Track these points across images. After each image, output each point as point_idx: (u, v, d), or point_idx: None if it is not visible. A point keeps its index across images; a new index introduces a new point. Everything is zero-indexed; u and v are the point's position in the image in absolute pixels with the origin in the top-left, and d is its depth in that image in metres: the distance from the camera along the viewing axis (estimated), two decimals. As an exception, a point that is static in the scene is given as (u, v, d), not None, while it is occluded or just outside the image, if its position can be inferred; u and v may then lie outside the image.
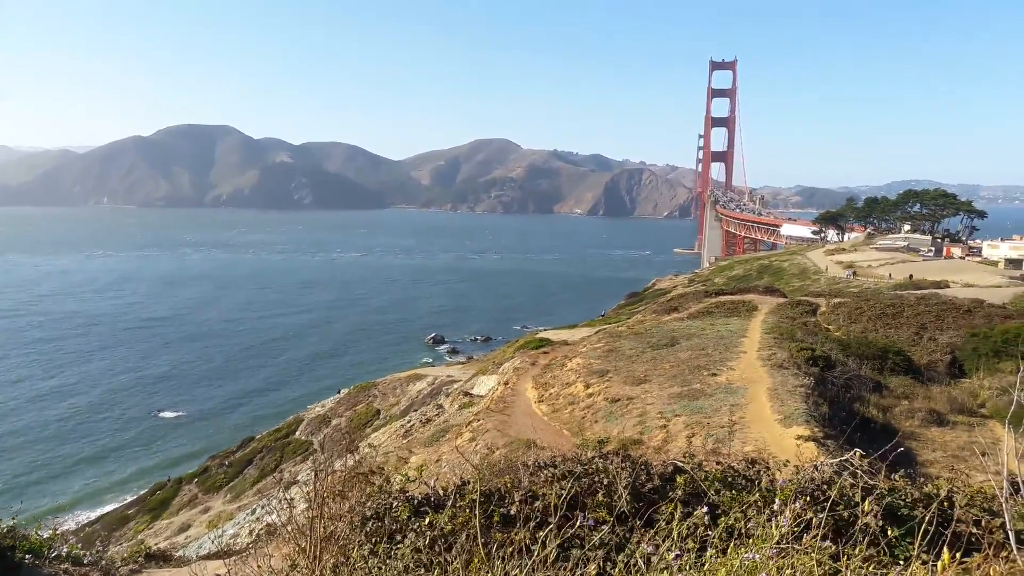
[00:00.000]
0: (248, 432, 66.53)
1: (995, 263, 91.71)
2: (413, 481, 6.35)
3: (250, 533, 30.24)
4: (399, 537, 5.46)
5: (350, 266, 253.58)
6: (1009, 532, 4.41)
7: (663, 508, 5.21)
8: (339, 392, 65.56)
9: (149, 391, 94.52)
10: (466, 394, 39.59)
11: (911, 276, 67.33)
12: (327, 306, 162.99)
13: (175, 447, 75.41)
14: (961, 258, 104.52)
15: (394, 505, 5.69)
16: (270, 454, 53.91)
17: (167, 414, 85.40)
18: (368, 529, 5.67)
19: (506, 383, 29.08)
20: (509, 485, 5.86)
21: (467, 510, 5.23)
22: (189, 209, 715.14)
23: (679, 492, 5.55)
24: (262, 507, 35.26)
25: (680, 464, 6.09)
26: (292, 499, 9.70)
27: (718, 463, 6.07)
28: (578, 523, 4.94)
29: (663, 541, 4.60)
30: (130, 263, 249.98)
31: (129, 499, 59.59)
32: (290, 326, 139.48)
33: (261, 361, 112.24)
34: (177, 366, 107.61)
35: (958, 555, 4.23)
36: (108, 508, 58.84)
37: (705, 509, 4.90)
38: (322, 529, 5.97)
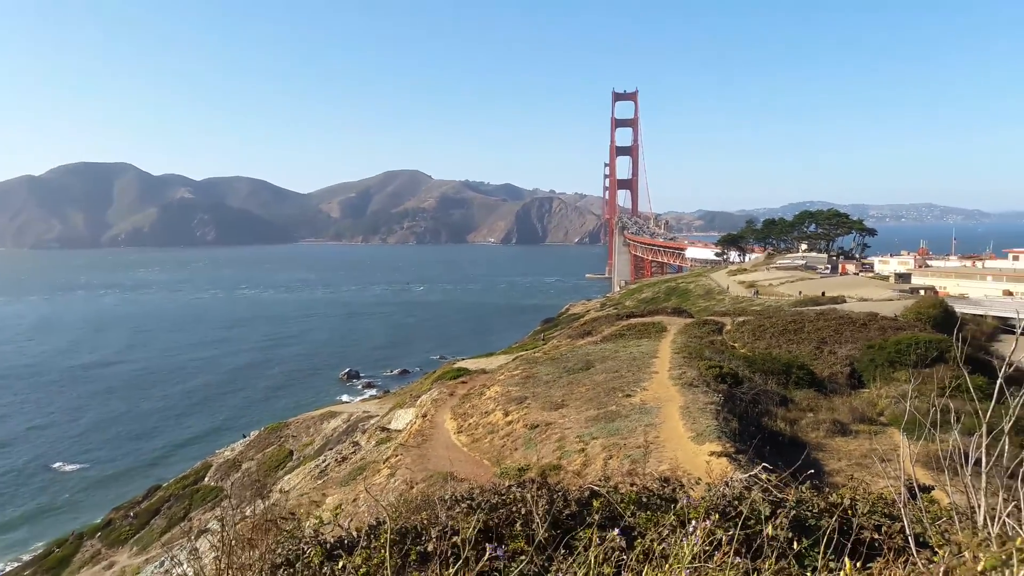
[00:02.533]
0: (154, 480, 63.64)
1: (886, 278, 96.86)
2: (327, 524, 6.15)
3: (158, 588, 28.71)
4: (312, 583, 5.26)
5: (256, 304, 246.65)
6: (908, 536, 4.58)
7: (581, 534, 5.20)
8: (248, 435, 63.40)
9: (48, 443, 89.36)
10: (383, 429, 38.86)
11: (824, 293, 69.74)
12: (235, 346, 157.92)
13: (76, 500, 71.43)
14: (855, 274, 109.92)
15: (306, 551, 5.48)
16: (178, 502, 51.51)
17: (68, 467, 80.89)
18: (279, 577, 5.44)
19: (424, 415, 28.71)
20: (426, 522, 5.74)
21: (382, 551, 5.09)
22: (85, 250, 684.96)
23: (596, 517, 5.55)
24: (170, 559, 33.55)
25: (596, 488, 6.09)
26: (199, 549, 9.26)
27: (632, 484, 6.12)
28: (489, 555, 4.87)
29: (579, 568, 4.58)
30: (36, 309, 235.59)
31: (25, 558, 56.00)
32: (195, 367, 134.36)
33: (166, 406, 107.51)
34: (78, 416, 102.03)
35: (859, 564, 4.37)
36: (0, 569, 55.01)
37: (618, 532, 4.91)
38: (230, 580, 5.70)
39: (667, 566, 4.47)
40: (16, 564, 55.20)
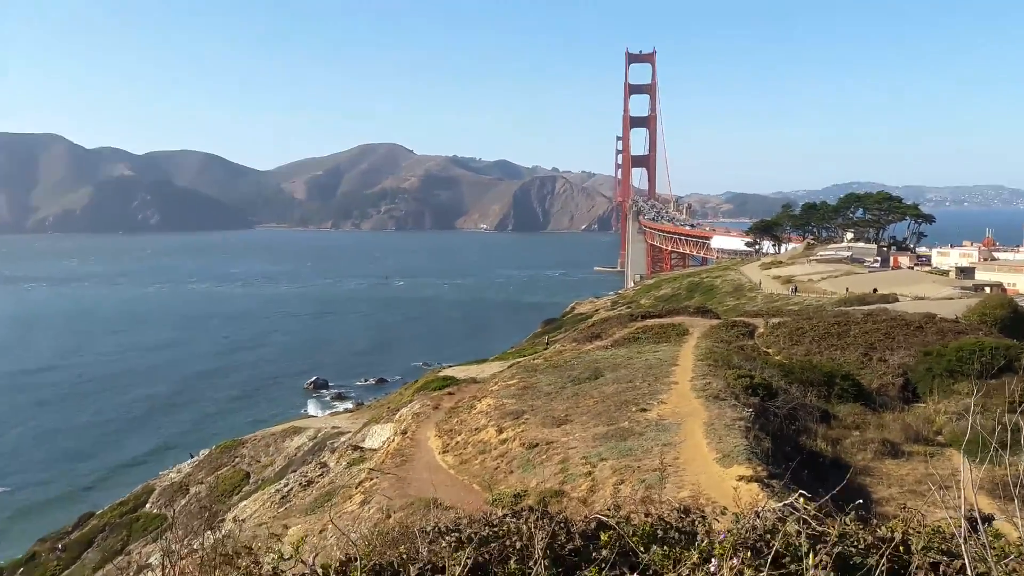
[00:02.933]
0: (88, 507, 63.63)
1: (945, 272, 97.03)
2: (288, 559, 6.14)
3: (91, 633, 28.78)
4: (270, 629, 5.26)
5: (209, 300, 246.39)
6: (969, 576, 4.58)
7: (586, 573, 5.20)
8: (197, 454, 63.45)
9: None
10: (356, 448, 38.95)
11: (874, 290, 69.75)
12: (184, 350, 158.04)
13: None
14: (909, 268, 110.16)
15: (263, 591, 5.49)
16: (114, 533, 51.59)
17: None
18: (232, 622, 5.45)
19: (404, 432, 28.80)
20: (404, 557, 5.74)
21: (352, 591, 5.09)
22: (6, 236, 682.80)
23: (604, 553, 5.55)
24: (106, 600, 33.66)
25: (605, 519, 6.09)
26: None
27: (647, 514, 6.11)
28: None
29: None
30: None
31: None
32: (137, 375, 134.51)
33: (104, 420, 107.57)
34: (1, 431, 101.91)
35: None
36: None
37: (630, 571, 4.91)
38: (174, 625, 5.70)
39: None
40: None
